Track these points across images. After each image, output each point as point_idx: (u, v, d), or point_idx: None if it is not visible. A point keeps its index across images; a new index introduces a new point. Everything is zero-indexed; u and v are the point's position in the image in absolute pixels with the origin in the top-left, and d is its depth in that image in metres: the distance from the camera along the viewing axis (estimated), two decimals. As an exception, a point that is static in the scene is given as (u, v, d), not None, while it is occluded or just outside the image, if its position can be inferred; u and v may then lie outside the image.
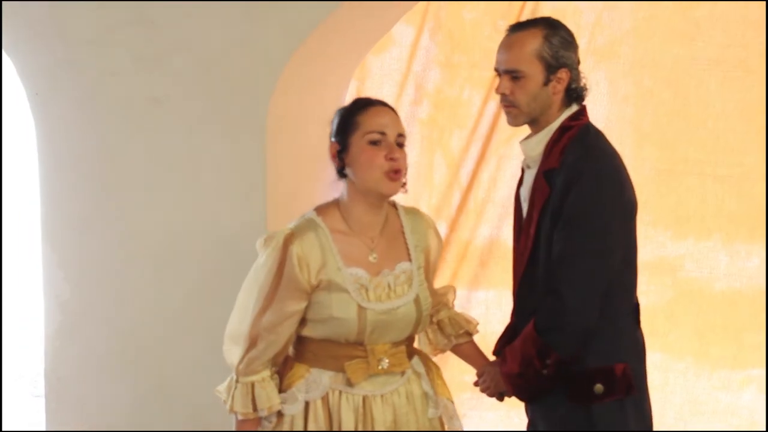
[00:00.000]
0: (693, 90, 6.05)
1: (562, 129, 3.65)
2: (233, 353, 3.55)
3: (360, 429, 3.49)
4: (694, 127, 5.95)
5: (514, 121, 3.72)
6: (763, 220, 5.92)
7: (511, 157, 6.28)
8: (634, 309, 3.77)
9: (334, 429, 3.50)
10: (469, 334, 3.87)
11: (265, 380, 3.52)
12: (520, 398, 3.74)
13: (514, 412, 6.13)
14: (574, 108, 3.69)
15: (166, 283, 4.91)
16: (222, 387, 3.62)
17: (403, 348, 3.54)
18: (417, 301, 3.52)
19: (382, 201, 3.51)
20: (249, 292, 3.53)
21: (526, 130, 3.83)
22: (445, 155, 6.27)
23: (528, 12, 6.19)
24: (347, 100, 5.73)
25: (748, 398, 5.94)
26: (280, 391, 3.55)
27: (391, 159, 3.42)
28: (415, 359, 3.66)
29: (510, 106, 3.67)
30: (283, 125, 4.89)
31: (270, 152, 4.79)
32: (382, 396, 3.52)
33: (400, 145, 3.47)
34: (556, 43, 3.62)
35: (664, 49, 5.99)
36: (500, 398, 3.86)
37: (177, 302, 4.91)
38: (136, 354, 4.97)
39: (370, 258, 3.51)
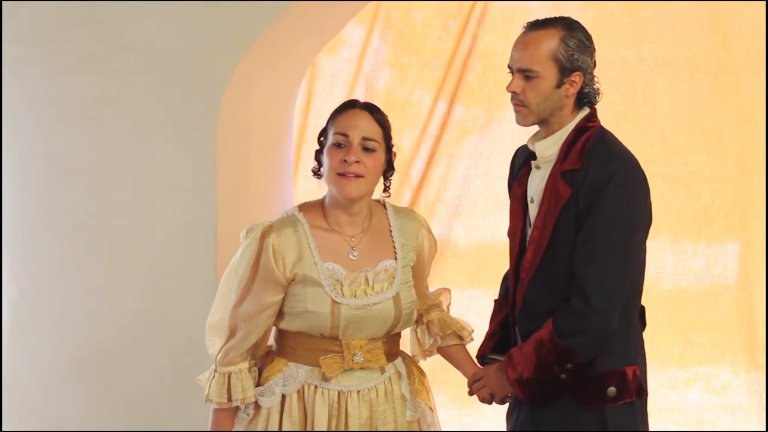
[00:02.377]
0: (641, 90, 6.10)
1: (578, 130, 3.60)
2: (214, 343, 3.58)
3: (333, 424, 3.52)
4: (642, 127, 5.99)
5: (523, 121, 3.63)
6: (708, 220, 5.98)
7: (461, 157, 6.31)
8: (641, 311, 3.76)
9: (308, 423, 3.52)
10: (459, 338, 3.86)
11: (242, 371, 3.55)
12: (532, 403, 3.65)
13: (464, 411, 6.15)
14: (587, 110, 3.66)
15: (117, 282, 4.89)
16: (203, 376, 3.64)
17: (379, 344, 3.55)
18: (396, 299, 3.53)
19: (350, 202, 3.51)
20: (228, 283, 3.56)
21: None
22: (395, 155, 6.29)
23: (478, 12, 6.21)
24: (298, 100, 5.75)
25: (695, 396, 6.00)
26: (259, 383, 3.58)
27: (344, 161, 3.44)
28: (399, 360, 3.67)
29: (520, 105, 3.60)
30: (234, 124, 4.89)
31: (221, 151, 4.79)
32: (358, 392, 3.54)
33: (367, 149, 3.46)
34: (572, 45, 3.55)
35: (612, 49, 6.04)
36: (490, 402, 3.83)
37: (128, 301, 4.89)
38: (87, 354, 4.95)
39: (350, 255, 3.53)
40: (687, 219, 6.00)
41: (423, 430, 3.68)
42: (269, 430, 3.54)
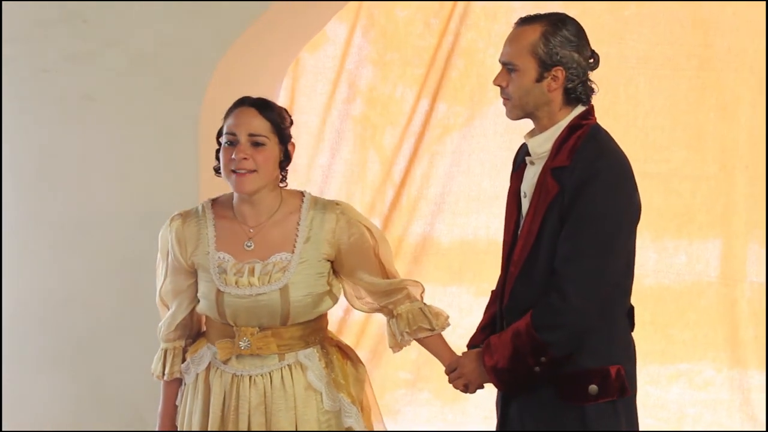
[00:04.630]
0: (622, 88, 6.12)
1: (571, 128, 3.59)
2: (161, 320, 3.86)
3: (227, 405, 3.67)
4: (623, 124, 6.01)
5: (509, 114, 3.66)
6: (690, 216, 6.01)
7: (444, 155, 6.32)
8: (629, 312, 3.76)
9: (210, 402, 3.70)
10: (430, 330, 3.87)
11: (176, 349, 3.80)
12: (506, 392, 3.68)
13: (447, 408, 6.16)
14: (581, 108, 3.66)
15: (100, 281, 4.89)
16: None
17: (269, 333, 3.64)
18: (284, 291, 3.61)
19: (257, 195, 3.64)
20: (158, 265, 3.81)
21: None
22: (378, 152, 6.30)
23: (460, 10, 6.22)
24: (281, 97, 5.75)
25: (677, 392, 6.02)
26: (184, 360, 3.80)
27: (233, 159, 3.58)
28: (310, 351, 3.72)
29: (505, 98, 3.64)
30: (217, 122, 4.85)
31: (203, 148, 4.79)
32: (250, 377, 3.66)
33: (256, 144, 3.60)
34: (554, 40, 3.53)
35: (593, 47, 6.06)
36: (465, 391, 3.83)
37: (111, 300, 4.89)
38: (71, 351, 4.94)
39: (245, 246, 3.65)
40: (668, 216, 6.03)
41: (341, 421, 3.74)
42: (188, 405, 3.75)
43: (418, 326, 3.82)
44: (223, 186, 4.91)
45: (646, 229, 6.00)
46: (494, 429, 3.91)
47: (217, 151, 3.69)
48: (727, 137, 5.95)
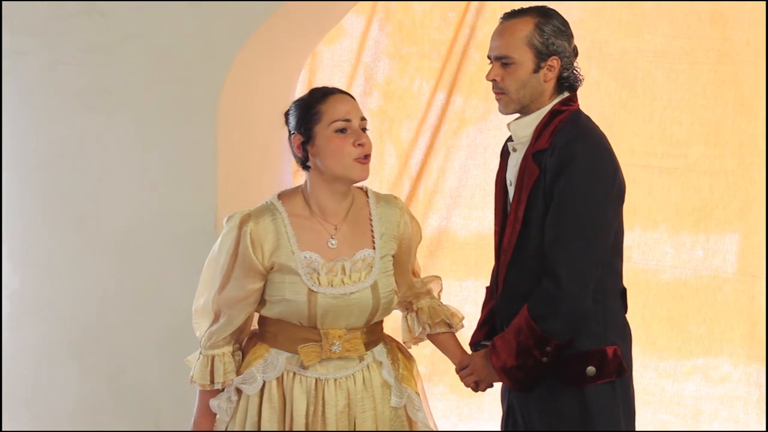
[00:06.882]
0: (639, 82, 6.10)
1: (553, 113, 3.66)
2: (200, 326, 3.66)
3: (311, 411, 3.55)
4: (640, 119, 5.99)
5: (504, 109, 3.71)
6: (707, 211, 5.97)
7: (460, 148, 6.31)
8: (622, 293, 3.78)
9: (287, 410, 3.56)
10: (449, 326, 3.87)
11: (225, 355, 3.61)
12: (519, 390, 3.71)
13: (463, 402, 6.16)
14: (565, 94, 3.70)
15: (117, 274, 4.90)
16: (192, 356, 3.72)
17: (358, 333, 3.57)
18: (374, 288, 3.55)
19: (349, 188, 3.57)
20: (211, 268, 3.63)
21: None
22: (395, 145, 6.28)
23: (477, 3, 6.21)
24: (298, 90, 5.75)
25: (693, 388, 6.01)
26: (242, 369, 3.62)
27: (360, 145, 3.48)
28: (379, 347, 3.69)
29: (500, 93, 3.69)
30: (234, 115, 4.89)
31: (220, 142, 4.79)
32: (335, 380, 3.56)
33: (364, 130, 3.54)
34: (547, 30, 3.62)
35: (610, 40, 6.04)
36: (476, 389, 3.86)
37: (127, 293, 4.90)
38: (87, 346, 4.95)
39: (329, 244, 3.55)
40: (686, 211, 6.00)
41: (410, 415, 3.70)
42: (249, 415, 3.58)
43: (440, 319, 3.85)
44: (238, 179, 4.93)
45: (663, 223, 5.98)
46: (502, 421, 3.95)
47: (303, 144, 3.54)
48: (745, 132, 5.92)
